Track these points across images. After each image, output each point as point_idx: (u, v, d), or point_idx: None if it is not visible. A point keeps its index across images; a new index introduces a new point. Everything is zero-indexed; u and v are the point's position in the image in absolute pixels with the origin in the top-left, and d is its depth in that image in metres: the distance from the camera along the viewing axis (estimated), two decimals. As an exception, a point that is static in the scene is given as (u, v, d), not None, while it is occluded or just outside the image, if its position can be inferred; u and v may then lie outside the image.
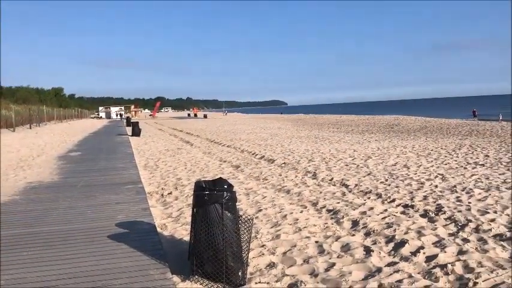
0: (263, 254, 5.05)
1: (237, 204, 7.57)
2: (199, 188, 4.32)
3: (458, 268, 4.44)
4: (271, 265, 4.70)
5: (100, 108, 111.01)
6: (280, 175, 10.69)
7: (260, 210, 7.14)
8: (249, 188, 9.18)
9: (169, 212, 7.20)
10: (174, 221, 6.61)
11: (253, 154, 15.48)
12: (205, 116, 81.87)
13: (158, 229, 5.97)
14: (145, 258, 4.63)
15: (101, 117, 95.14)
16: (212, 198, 4.14)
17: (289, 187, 9.07)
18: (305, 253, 5.06)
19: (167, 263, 4.53)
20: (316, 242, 5.45)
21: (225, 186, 4.31)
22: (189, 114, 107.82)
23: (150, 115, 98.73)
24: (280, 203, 7.69)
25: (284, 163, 12.75)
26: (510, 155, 13.13)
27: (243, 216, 4.53)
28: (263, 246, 5.33)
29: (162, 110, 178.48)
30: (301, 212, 6.99)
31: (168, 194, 8.72)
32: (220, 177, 4.61)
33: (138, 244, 5.06)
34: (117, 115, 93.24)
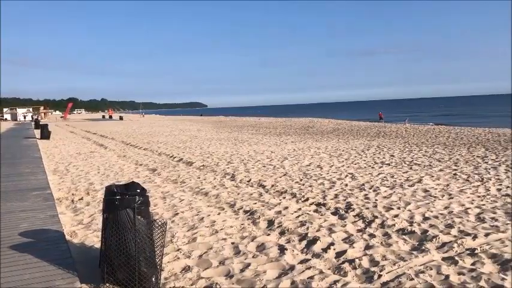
0: (178, 258, 4.99)
1: (153, 208, 7.44)
2: (110, 192, 4.16)
3: (365, 262, 4.71)
4: (187, 269, 4.66)
5: (5, 109, 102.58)
6: (199, 178, 10.62)
7: (177, 214, 7.04)
8: (166, 191, 9.01)
9: (80, 219, 6.85)
10: (85, 228, 6.30)
11: (171, 157, 15.22)
12: (121, 118, 78.98)
13: (67, 237, 5.65)
14: (52, 268, 4.37)
15: (6, 119, 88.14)
16: (123, 203, 4.01)
17: (207, 189, 9.04)
18: (221, 255, 5.07)
19: (76, 271, 4.31)
20: (233, 243, 5.49)
21: (138, 191, 4.19)
22: (103, 116, 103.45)
23: (61, 117, 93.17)
24: (198, 205, 7.64)
25: (203, 165, 12.69)
26: (413, 154, 14.20)
27: (158, 221, 4.44)
28: (179, 250, 5.26)
29: (75, 112, 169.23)
30: (219, 214, 7.00)
31: (79, 199, 8.30)
32: (133, 181, 4.48)
33: (44, 254, 4.76)
34: (24, 117, 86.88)
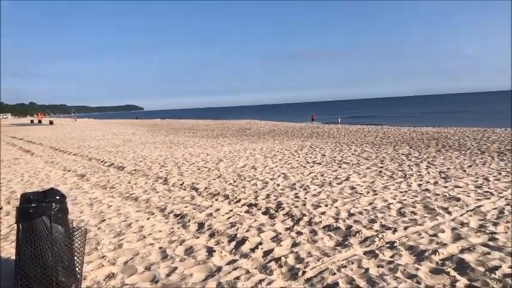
0: (103, 266, 4.82)
1: (78, 215, 7.16)
2: (25, 200, 3.94)
3: (291, 259, 4.81)
4: (111, 276, 4.52)
5: None
6: (129, 182, 10.34)
7: (104, 220, 6.81)
8: (94, 197, 8.69)
9: (-3, 230, 6.43)
10: (3, 239, 5.94)
11: (101, 162, 14.71)
12: (51, 123, 75.10)
13: (-19, 250, 5.29)
14: (-40, 284, 4.06)
15: None
16: (38, 210, 3.81)
17: (138, 194, 8.83)
18: (148, 260, 4.97)
19: (-12, 286, 4.04)
20: (160, 248, 5.40)
21: (57, 197, 4.00)
22: (32, 121, 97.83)
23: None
24: (127, 211, 7.44)
25: (135, 170, 12.38)
26: (343, 153, 14.71)
27: (82, 228, 4.27)
28: (103, 257, 5.09)
29: (0, 116, 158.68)
30: (148, 219, 6.86)
31: (-2, 209, 7.79)
32: (52, 188, 4.28)
33: (-49, 269, 4.41)
34: None
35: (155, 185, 9.84)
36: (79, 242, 4.14)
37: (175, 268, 4.67)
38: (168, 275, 4.50)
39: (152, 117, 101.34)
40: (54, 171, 12.72)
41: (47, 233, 3.82)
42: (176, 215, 6.98)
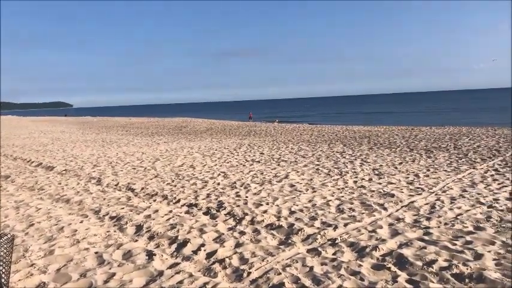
0: (32, 275, 4.46)
1: (2, 220, 6.60)
2: None
3: (235, 261, 4.72)
4: (41, 285, 4.19)
5: None
6: (60, 183, 9.75)
7: (32, 225, 6.33)
8: (20, 200, 8.09)
9: None
10: None
11: (28, 161, 13.78)
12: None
13: None
14: None
15: None
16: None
17: (69, 196, 8.33)
18: (83, 266, 4.66)
19: None
20: (96, 252, 5.10)
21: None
22: None
23: None
24: (58, 214, 6.98)
25: (65, 170, 11.70)
26: (281, 151, 14.86)
27: (8, 234, 3.89)
28: (32, 265, 4.71)
29: None
30: (81, 222, 6.47)
31: None
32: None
33: None
34: None
35: (88, 186, 9.35)
36: (4, 250, 3.77)
37: (114, 274, 4.42)
38: (105, 282, 4.24)
39: (83, 115, 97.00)
40: (-27, 173, 11.71)
41: (-34, 242, 3.44)
42: (112, 217, 6.65)
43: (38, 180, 10.25)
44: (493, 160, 11.40)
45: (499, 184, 8.33)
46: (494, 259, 4.48)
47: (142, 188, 8.84)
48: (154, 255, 4.91)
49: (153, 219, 6.43)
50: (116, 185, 9.33)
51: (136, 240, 5.55)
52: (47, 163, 13.13)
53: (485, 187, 8.09)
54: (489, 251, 4.70)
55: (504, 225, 5.64)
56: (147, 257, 4.88)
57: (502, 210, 6.36)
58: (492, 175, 9.29)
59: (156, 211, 6.94)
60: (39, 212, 7.17)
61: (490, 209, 6.44)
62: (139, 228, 6.05)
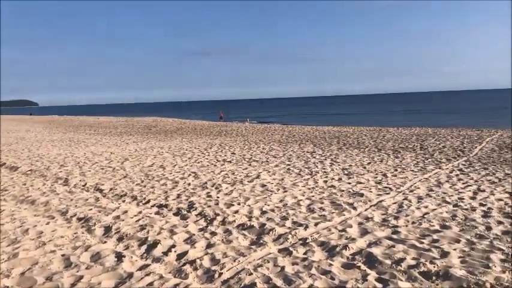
0: (-5, 279, 4.30)
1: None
2: None
3: (206, 262, 4.69)
4: (5, 290, 4.04)
5: None
6: (25, 184, 9.46)
7: (-5, 227, 6.12)
8: (-18, 201, 7.80)
9: None
10: None
11: (-10, 162, 13.30)
12: None
13: None
14: None
15: None
16: None
17: (35, 197, 8.09)
18: (49, 269, 4.54)
19: None
20: (63, 255, 4.96)
21: None
22: None
23: None
24: (22, 215, 6.77)
25: (30, 170, 11.36)
26: (252, 151, 14.88)
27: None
28: (-5, 269, 4.54)
29: None
30: (48, 223, 6.30)
31: None
32: None
33: None
34: None
35: (55, 187, 9.11)
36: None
37: (81, 277, 4.31)
38: (73, 285, 4.14)
39: (48, 114, 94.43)
40: None
41: None
42: (80, 219, 6.49)
43: (0, 181, 9.91)
44: (457, 160, 11.76)
45: (463, 184, 8.59)
46: (459, 257, 4.62)
47: (111, 189, 8.68)
48: (124, 257, 4.83)
49: (122, 220, 6.32)
50: (83, 186, 9.12)
51: (105, 242, 5.43)
52: (10, 163, 12.73)
53: (450, 186, 8.33)
54: (455, 249, 4.84)
55: (469, 224, 5.83)
56: (116, 259, 4.79)
57: (466, 209, 6.56)
58: (457, 175, 9.58)
59: (125, 212, 6.82)
60: (2, 213, 6.94)
61: (455, 208, 6.64)
62: (108, 229, 5.93)
